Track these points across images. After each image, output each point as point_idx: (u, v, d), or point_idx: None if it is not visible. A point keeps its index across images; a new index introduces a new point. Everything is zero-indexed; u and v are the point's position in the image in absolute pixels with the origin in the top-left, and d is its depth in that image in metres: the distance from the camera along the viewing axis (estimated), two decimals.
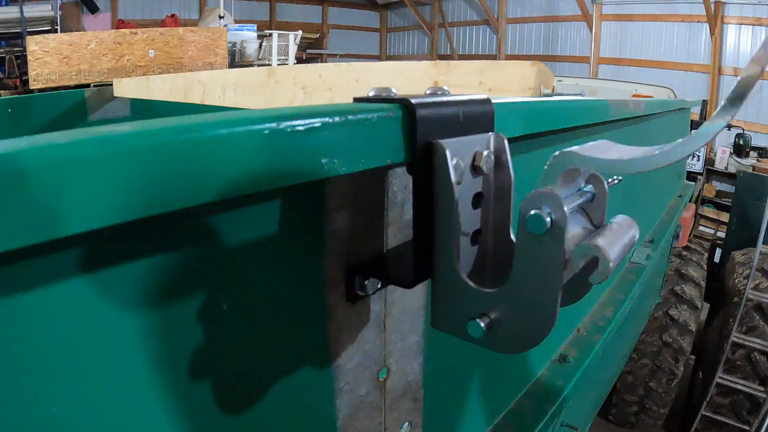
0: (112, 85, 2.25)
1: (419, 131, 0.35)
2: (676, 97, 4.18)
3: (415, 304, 0.56)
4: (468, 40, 10.20)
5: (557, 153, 0.33)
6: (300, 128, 0.29)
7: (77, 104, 2.09)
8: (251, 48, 6.83)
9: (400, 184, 0.48)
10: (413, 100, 0.35)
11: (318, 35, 10.50)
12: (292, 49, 5.81)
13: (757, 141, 5.89)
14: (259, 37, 6.92)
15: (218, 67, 4.56)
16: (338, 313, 0.46)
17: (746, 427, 3.13)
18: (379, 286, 0.46)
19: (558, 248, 0.33)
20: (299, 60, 8.52)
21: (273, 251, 0.39)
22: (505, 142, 0.42)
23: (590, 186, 0.41)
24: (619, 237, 0.36)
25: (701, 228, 5.63)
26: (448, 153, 0.35)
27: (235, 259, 0.36)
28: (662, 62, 6.75)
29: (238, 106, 1.58)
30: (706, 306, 4.09)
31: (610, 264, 0.34)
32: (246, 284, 0.38)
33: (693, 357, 3.92)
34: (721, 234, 5.22)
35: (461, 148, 0.39)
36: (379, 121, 0.33)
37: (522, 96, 0.78)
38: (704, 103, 5.41)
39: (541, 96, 0.77)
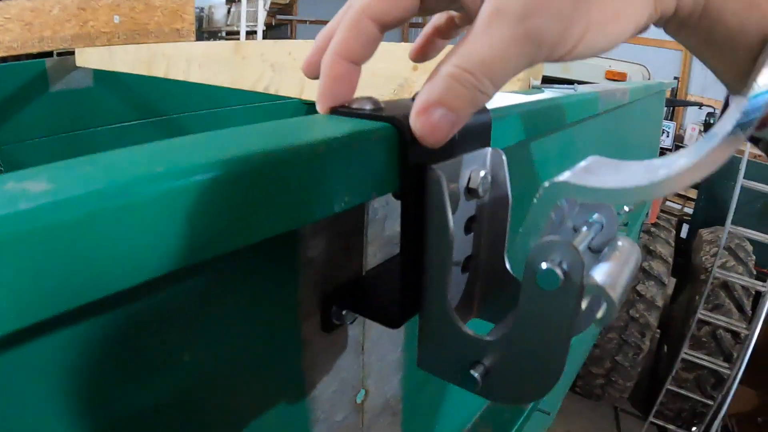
0: (74, 54, 2.14)
1: (411, 155, 0.30)
2: (649, 74, 4.15)
3: None
4: None
5: (547, 184, 0.28)
6: (270, 175, 0.23)
7: (38, 75, 1.99)
8: (219, 14, 6.63)
9: (381, 199, 0.43)
10: (403, 117, 0.30)
11: (288, 0, 10.24)
12: (261, 16, 5.63)
13: None
14: (228, 2, 6.72)
15: (185, 33, 4.42)
16: (313, 345, 0.41)
17: (710, 402, 3.20)
18: (357, 316, 0.42)
19: (570, 302, 0.29)
20: (268, 26, 8.33)
21: (238, 285, 0.34)
22: (503, 158, 0.37)
23: (597, 215, 0.36)
24: (623, 269, 0.32)
25: (668, 203, 5.68)
26: (443, 182, 0.30)
27: (193, 300, 0.31)
28: (635, 38, 6.70)
29: (204, 82, 1.50)
30: (673, 280, 4.15)
31: (617, 309, 0.29)
32: (207, 326, 0.33)
33: (659, 331, 3.98)
34: (688, 209, 5.27)
35: (455, 169, 0.34)
36: (367, 148, 0.28)
37: (511, 89, 0.73)
38: (676, 80, 5.42)
39: (530, 88, 0.72)
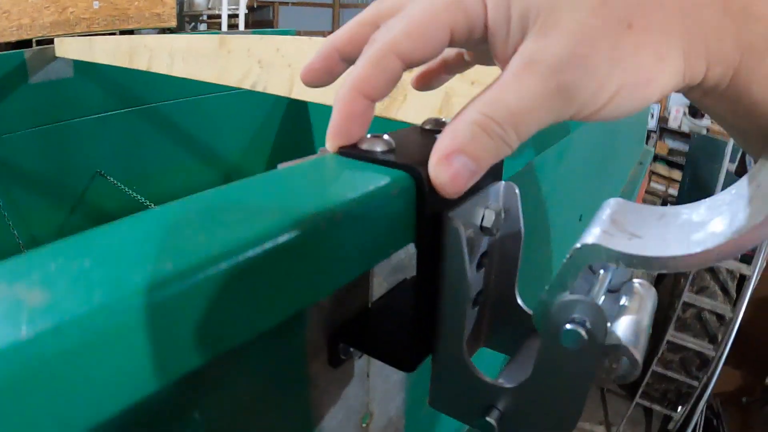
0: (53, 43, 2.09)
1: (428, 204, 0.29)
2: None
3: None
4: None
5: (579, 246, 0.26)
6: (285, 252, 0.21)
7: (17, 66, 1.94)
8: None
9: None
10: (419, 165, 0.29)
11: None
12: None
13: None
14: None
15: (166, 18, 4.34)
16: (320, 380, 0.40)
17: (695, 383, 3.24)
18: None
19: (592, 360, 0.28)
20: (250, 9, 8.19)
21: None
22: (517, 192, 0.36)
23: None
24: (644, 320, 0.31)
25: (653, 185, 5.72)
26: (461, 232, 0.29)
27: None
28: None
29: (188, 77, 1.47)
30: None
31: (639, 367, 0.28)
32: (218, 380, 0.32)
33: None
34: (672, 191, 5.31)
35: (470, 211, 0.33)
36: (386, 205, 0.27)
37: None
38: None
39: None
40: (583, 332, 0.27)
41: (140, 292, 0.17)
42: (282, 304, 0.22)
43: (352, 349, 0.39)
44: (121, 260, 0.19)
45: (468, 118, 0.27)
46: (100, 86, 2.25)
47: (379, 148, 0.31)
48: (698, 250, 0.24)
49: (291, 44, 1.11)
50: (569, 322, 0.27)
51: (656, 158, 6.28)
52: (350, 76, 0.31)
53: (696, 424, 3.10)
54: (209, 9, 6.47)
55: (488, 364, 0.88)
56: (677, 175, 5.07)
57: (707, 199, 0.28)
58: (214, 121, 2.67)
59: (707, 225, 0.25)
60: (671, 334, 3.32)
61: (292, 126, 2.92)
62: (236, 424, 0.34)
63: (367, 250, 0.27)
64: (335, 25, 10.47)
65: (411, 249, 0.44)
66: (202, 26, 6.63)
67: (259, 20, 8.55)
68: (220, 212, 0.22)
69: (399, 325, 0.38)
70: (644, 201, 3.98)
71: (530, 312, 0.39)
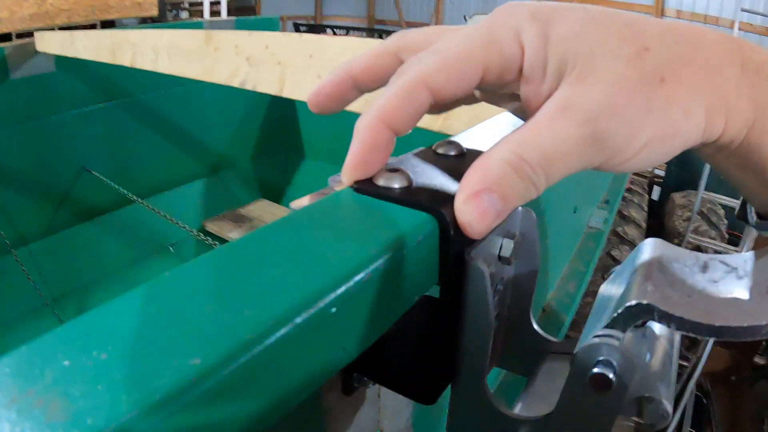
0: (33, 37, 2.05)
1: (452, 248, 0.28)
2: None
3: None
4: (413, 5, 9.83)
5: (634, 303, 0.26)
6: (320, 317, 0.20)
7: None
8: None
9: None
10: (443, 206, 0.27)
11: None
12: None
13: None
14: None
15: (147, 7, 4.27)
16: (335, 410, 0.39)
17: (685, 363, 3.27)
18: None
19: (616, 403, 0.27)
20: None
21: None
22: (534, 217, 0.35)
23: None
24: (668, 366, 0.30)
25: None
26: (486, 275, 0.28)
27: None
28: (604, 1, 6.69)
29: (174, 73, 1.44)
30: None
31: (669, 417, 0.28)
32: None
33: None
34: (659, 172, 5.33)
35: (489, 242, 0.32)
36: (411, 254, 0.25)
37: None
38: None
39: None
40: (612, 377, 0.26)
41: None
42: (309, 378, 0.21)
43: (365, 378, 0.38)
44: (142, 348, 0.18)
45: (499, 157, 0.26)
46: (82, 80, 2.22)
47: (396, 184, 0.30)
48: (747, 324, 0.23)
49: (280, 41, 1.09)
50: (597, 365, 0.26)
51: None
52: (376, 105, 0.29)
53: (687, 403, 3.14)
54: None
55: (490, 378, 0.88)
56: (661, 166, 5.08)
57: (745, 255, 0.28)
58: (200, 113, 2.64)
59: (752, 293, 0.25)
60: None
61: (279, 116, 2.90)
62: None
63: (394, 302, 0.26)
64: (317, 10, 10.37)
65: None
66: (184, 14, 6.53)
67: (241, 6, 8.43)
68: (249, 278, 0.21)
69: (415, 353, 0.37)
70: (631, 182, 3.99)
71: (545, 335, 0.39)
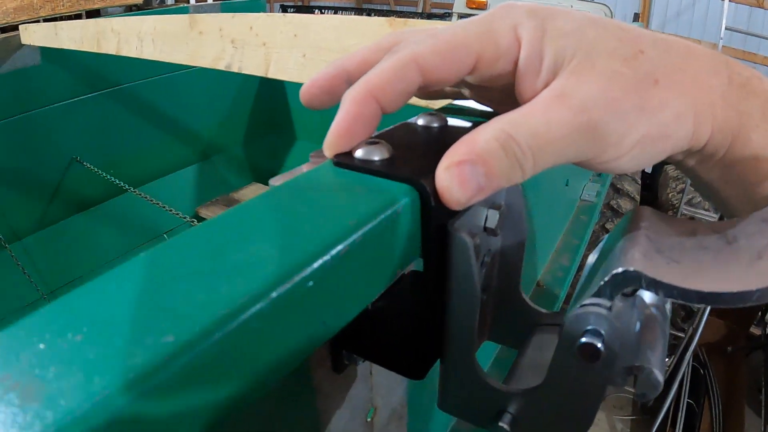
0: (18, 30, 2.03)
1: (434, 218, 0.28)
2: (612, 13, 4.11)
3: None
4: None
5: (620, 270, 0.25)
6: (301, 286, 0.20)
7: None
8: None
9: None
10: (424, 177, 0.27)
11: None
12: None
13: None
14: None
15: None
16: (326, 387, 0.39)
17: (681, 334, 3.29)
18: None
19: (605, 373, 0.27)
20: None
21: None
22: (520, 190, 0.35)
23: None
24: (659, 338, 0.30)
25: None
26: (470, 246, 0.28)
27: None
28: None
29: (159, 59, 1.43)
30: None
31: (660, 387, 0.28)
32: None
33: None
34: None
35: (473, 213, 0.32)
36: (391, 225, 0.25)
37: None
38: (636, 15, 5.39)
39: None
40: (600, 346, 0.26)
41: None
42: (289, 354, 0.21)
43: (356, 355, 0.38)
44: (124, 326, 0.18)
45: (488, 133, 0.26)
46: (69, 71, 2.19)
47: (377, 156, 0.29)
48: (737, 289, 0.23)
49: (264, 21, 1.07)
50: (585, 335, 0.26)
51: None
52: (366, 78, 0.29)
53: (684, 374, 3.17)
54: None
55: (486, 354, 0.88)
56: None
57: (735, 221, 0.28)
58: (188, 99, 2.62)
59: (742, 259, 0.24)
60: None
61: (268, 99, 2.88)
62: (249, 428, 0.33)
63: (375, 275, 0.25)
64: None
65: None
66: (170, 0, 6.46)
67: None
68: (224, 255, 0.21)
69: (403, 328, 0.36)
70: None
71: (535, 306, 0.39)
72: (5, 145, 2.06)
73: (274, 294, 0.19)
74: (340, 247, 0.22)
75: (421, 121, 0.37)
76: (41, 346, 0.17)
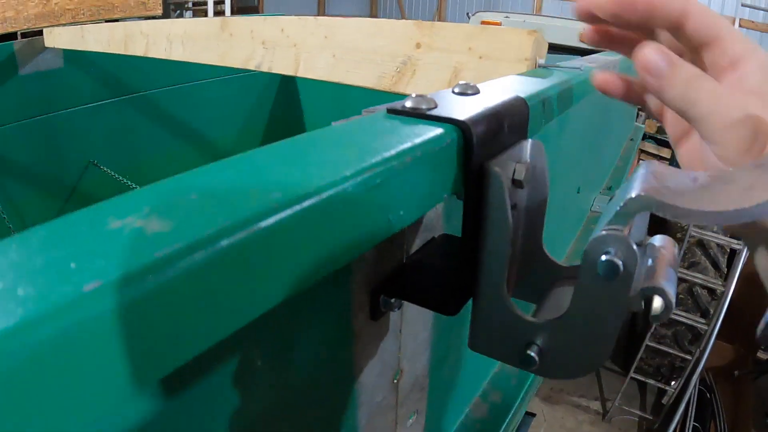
0: (41, 33, 2.09)
1: (474, 156, 0.31)
2: None
3: None
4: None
5: (634, 196, 0.29)
6: (369, 185, 0.24)
7: (7, 58, 1.93)
8: None
9: None
10: (468, 119, 0.31)
11: None
12: None
13: None
14: None
15: (151, 7, 4.29)
16: (363, 334, 0.43)
17: (688, 357, 3.29)
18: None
19: (624, 292, 0.30)
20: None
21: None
22: (542, 148, 0.38)
23: None
24: (671, 268, 0.33)
25: (642, 161, 5.74)
26: (504, 180, 0.31)
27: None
28: None
29: (188, 60, 1.47)
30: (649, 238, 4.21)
31: (673, 307, 0.31)
32: (279, 332, 0.34)
33: None
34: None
35: (505, 164, 0.35)
36: (439, 153, 0.29)
37: (519, 69, 0.73)
38: None
39: (537, 68, 0.73)
40: (619, 263, 0.29)
41: (257, 217, 0.19)
42: (346, 248, 0.25)
43: (393, 300, 0.41)
44: (232, 196, 0.21)
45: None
46: (90, 76, 2.25)
47: (424, 105, 0.33)
48: (734, 207, 0.27)
49: (296, 24, 1.12)
50: (605, 254, 0.30)
51: (645, 137, 6.31)
52: None
53: (690, 398, 3.16)
54: None
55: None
56: (666, 153, 5.10)
57: (729, 169, 0.31)
58: (206, 107, 2.68)
59: (737, 188, 0.28)
60: None
61: (283, 107, 2.93)
62: (290, 376, 0.37)
63: (422, 196, 0.29)
64: (320, 9, 10.40)
65: (439, 209, 0.47)
66: (188, 14, 6.58)
67: (244, 7, 8.48)
68: (311, 156, 0.25)
69: (436, 276, 0.40)
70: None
71: (555, 260, 0.42)
72: (24, 146, 2.10)
73: (350, 183, 0.23)
74: (400, 158, 0.25)
75: (456, 90, 0.40)
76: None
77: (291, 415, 0.38)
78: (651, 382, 3.58)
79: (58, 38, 2.04)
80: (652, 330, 3.44)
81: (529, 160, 0.38)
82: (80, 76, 2.23)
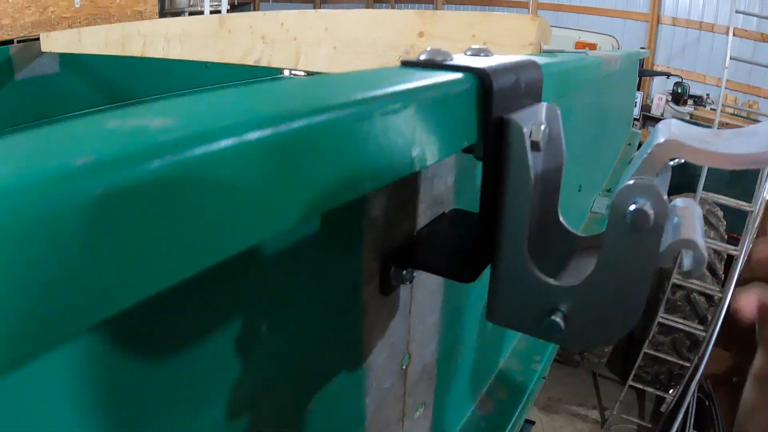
0: (38, 39, 2.08)
1: (494, 105, 0.30)
2: (618, 45, 4.18)
3: (436, 282, 0.52)
4: None
5: (662, 140, 0.28)
6: (391, 115, 0.22)
7: (2, 63, 1.91)
8: None
9: None
10: (486, 67, 0.30)
11: None
12: None
13: (695, 90, 6.03)
14: None
15: (147, 15, 4.31)
16: (371, 308, 0.41)
17: (687, 364, 3.28)
18: (415, 273, 0.42)
19: (655, 244, 0.29)
20: (232, 6, 8.15)
21: (309, 253, 0.33)
22: (558, 112, 0.37)
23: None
24: (698, 224, 0.32)
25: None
26: (525, 131, 0.30)
27: (274, 272, 0.31)
28: (602, 9, 6.73)
29: (186, 59, 1.46)
30: None
31: (705, 261, 0.30)
32: (284, 297, 0.33)
33: None
34: None
35: (524, 121, 0.34)
36: (459, 97, 0.28)
37: (524, 52, 0.72)
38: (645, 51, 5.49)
39: (542, 53, 0.72)
40: (650, 211, 0.28)
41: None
42: (366, 173, 0.23)
43: (404, 273, 0.40)
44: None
45: None
46: (87, 81, 2.24)
47: (440, 57, 0.32)
48: (757, 150, 0.26)
49: (295, 17, 1.11)
50: (635, 203, 0.28)
51: (640, 146, 6.31)
52: None
53: (689, 405, 3.14)
54: (191, 6, 6.44)
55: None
56: None
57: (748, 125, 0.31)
58: None
59: (759, 138, 0.27)
60: (661, 316, 3.35)
61: None
62: (293, 347, 0.35)
63: (440, 138, 0.28)
64: (317, 8, 10.39)
65: (449, 182, 0.46)
66: None
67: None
68: (328, 88, 0.23)
69: (451, 244, 0.38)
70: None
71: (572, 230, 0.41)
72: None
73: (371, 105, 0.22)
74: (419, 93, 0.24)
75: (469, 53, 0.39)
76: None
77: (294, 396, 0.37)
78: (650, 389, 3.56)
79: (54, 42, 2.03)
80: (650, 337, 3.43)
81: (545, 123, 0.37)
82: (77, 81, 2.22)
